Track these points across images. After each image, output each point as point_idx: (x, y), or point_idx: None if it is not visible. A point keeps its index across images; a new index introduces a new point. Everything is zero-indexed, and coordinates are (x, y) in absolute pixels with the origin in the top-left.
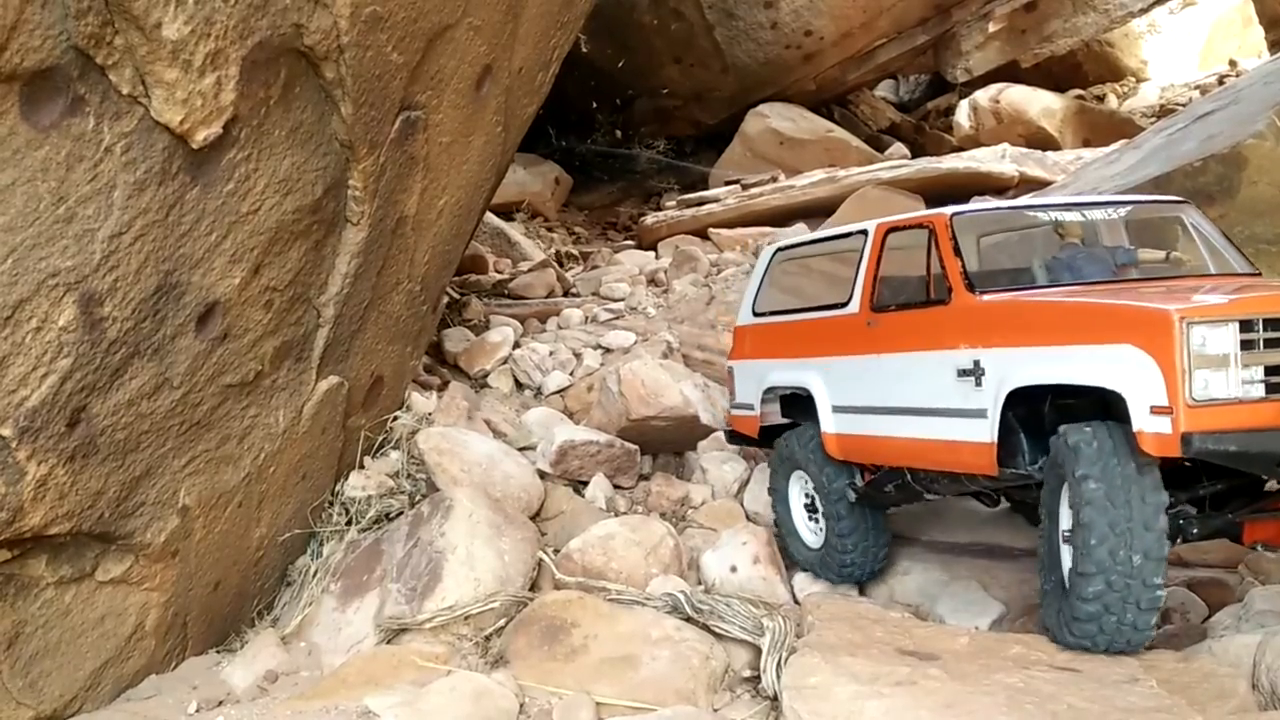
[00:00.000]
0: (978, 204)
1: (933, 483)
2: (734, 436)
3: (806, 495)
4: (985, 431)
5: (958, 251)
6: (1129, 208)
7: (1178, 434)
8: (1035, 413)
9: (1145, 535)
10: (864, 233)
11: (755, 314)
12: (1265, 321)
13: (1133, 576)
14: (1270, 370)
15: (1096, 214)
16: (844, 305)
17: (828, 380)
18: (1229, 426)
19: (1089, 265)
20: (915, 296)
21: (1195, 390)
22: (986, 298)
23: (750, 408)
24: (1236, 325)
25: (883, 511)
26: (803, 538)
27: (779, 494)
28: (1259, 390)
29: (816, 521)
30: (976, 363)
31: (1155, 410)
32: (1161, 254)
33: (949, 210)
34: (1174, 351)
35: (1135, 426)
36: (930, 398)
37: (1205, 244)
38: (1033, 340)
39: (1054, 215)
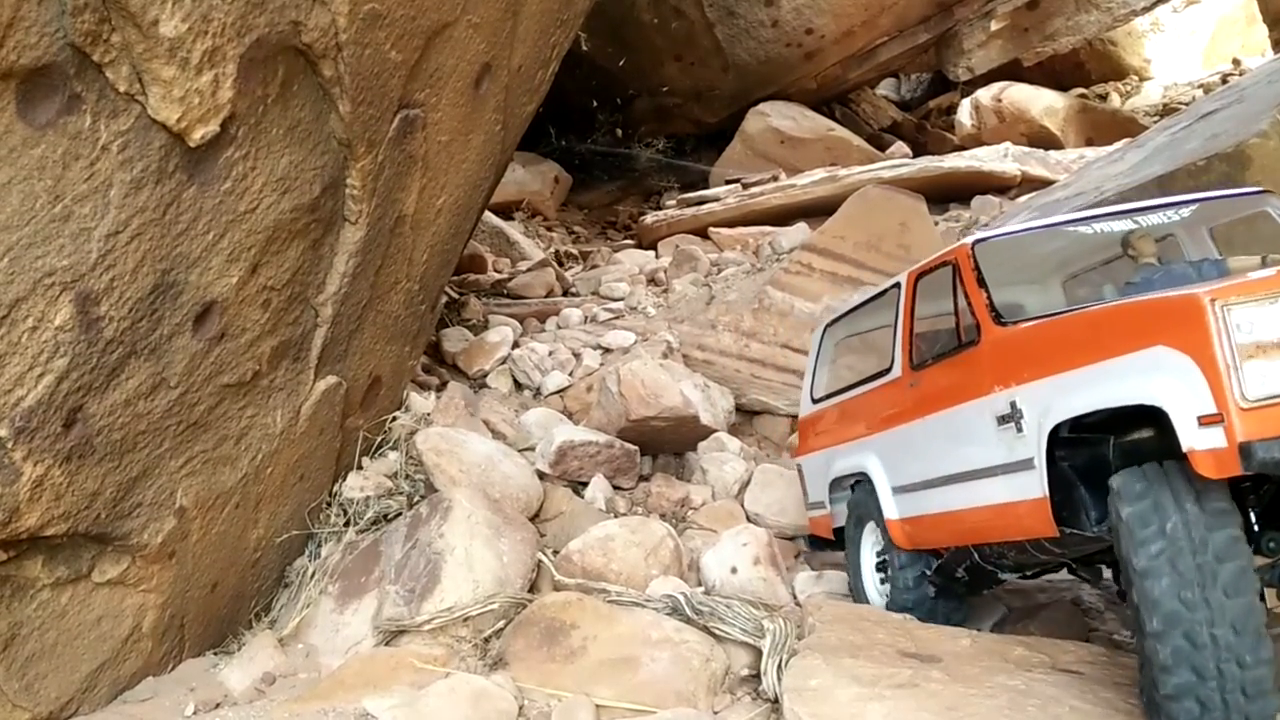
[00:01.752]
0: (1006, 226)
1: (1000, 558)
2: (815, 543)
3: (878, 554)
4: (1035, 485)
5: (983, 283)
6: (1193, 208)
7: (1234, 445)
8: (1098, 458)
9: (1231, 604)
10: (897, 285)
11: (814, 401)
12: None
13: (1225, 660)
14: None
15: (1152, 219)
16: (888, 371)
17: (883, 458)
18: None
19: (1170, 285)
20: (948, 344)
21: (1249, 387)
22: (1015, 328)
23: (822, 505)
24: None
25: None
26: (868, 595)
27: (853, 540)
28: None
29: (885, 585)
30: (1013, 404)
31: (1204, 420)
32: (1256, 259)
33: (970, 239)
34: (1212, 343)
35: (1184, 446)
36: (977, 457)
37: None
38: (1062, 365)
39: (1098, 228)
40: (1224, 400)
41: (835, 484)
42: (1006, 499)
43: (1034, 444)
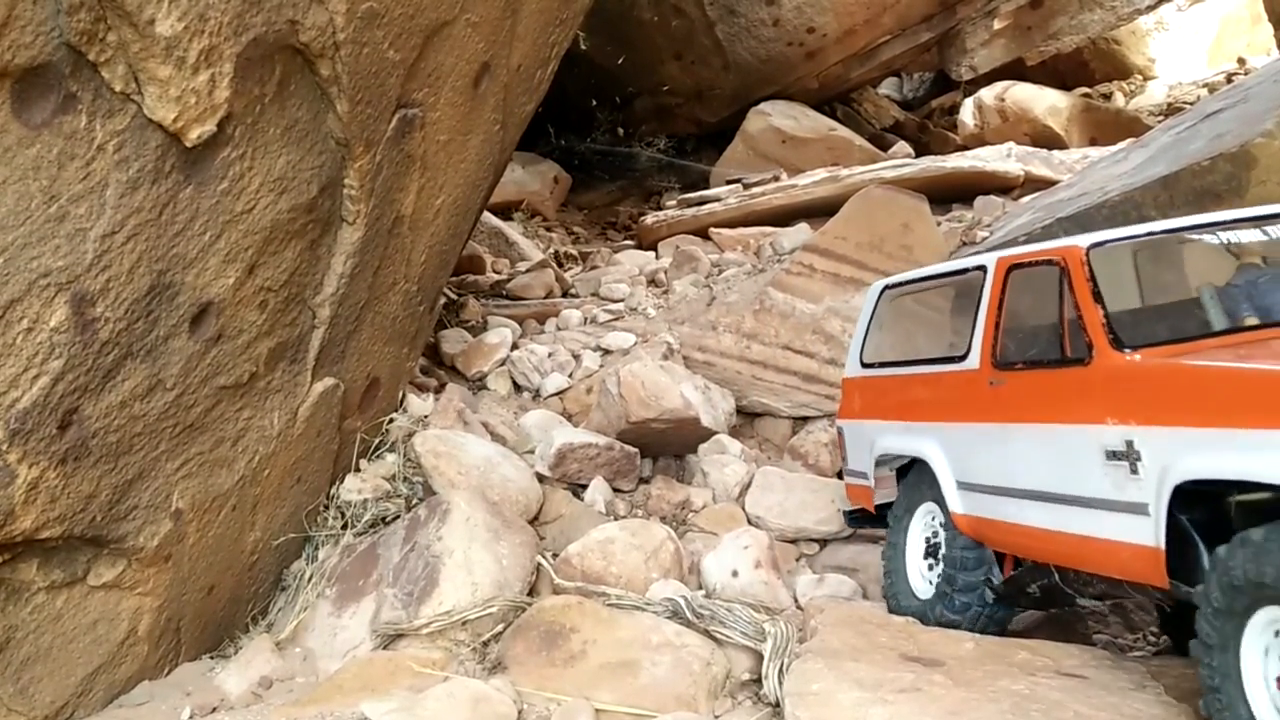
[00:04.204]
0: (1122, 230)
1: (1086, 585)
2: (854, 519)
3: (931, 534)
4: (1149, 533)
5: (1098, 297)
6: None
7: None
8: (1217, 513)
9: None
10: (982, 269)
11: (864, 364)
12: None
13: None
14: None
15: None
16: (962, 359)
17: (948, 450)
18: None
19: (1277, 292)
20: (1048, 353)
21: None
22: (1138, 357)
23: (864, 475)
24: None
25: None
26: (912, 585)
27: (900, 522)
28: None
29: (934, 570)
30: (1130, 444)
31: None
32: None
33: (1084, 241)
34: None
35: None
36: (1075, 483)
37: None
38: (1201, 419)
39: (1227, 236)
40: None
41: (882, 458)
42: (1110, 536)
43: (1152, 492)
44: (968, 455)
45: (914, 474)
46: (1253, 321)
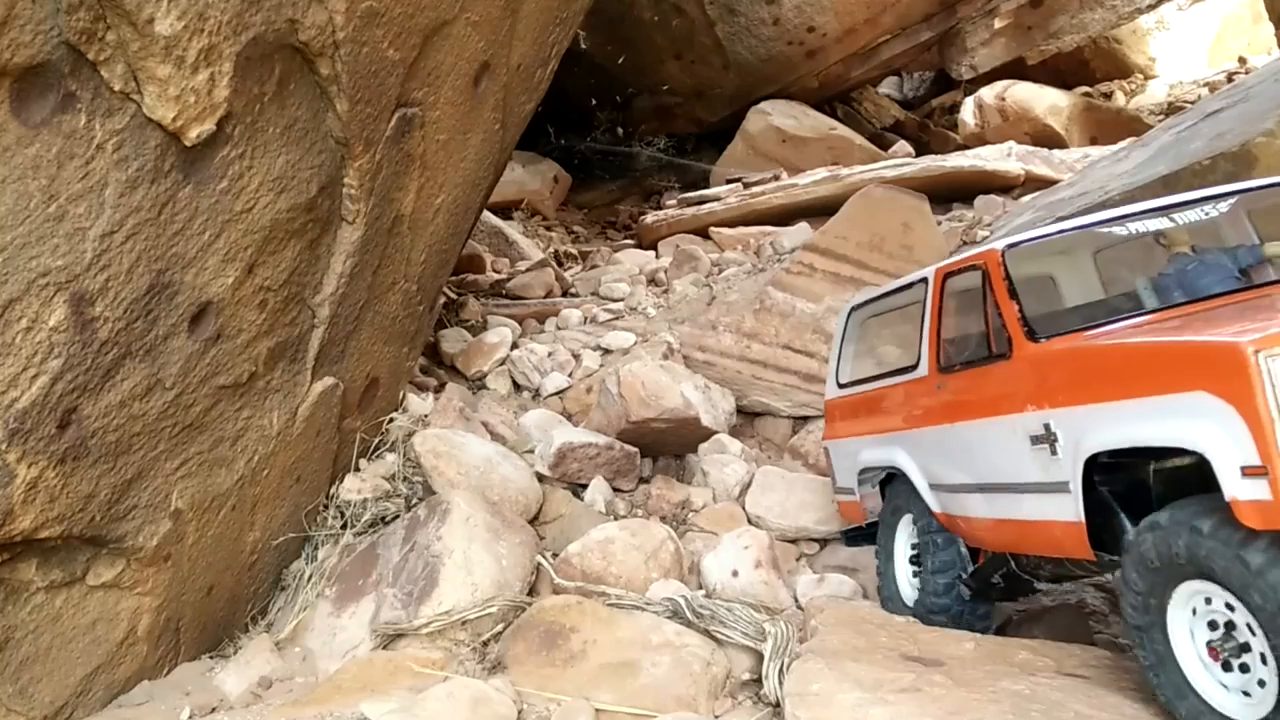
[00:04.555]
0: (1039, 230)
1: (1038, 568)
2: (850, 537)
3: (915, 542)
4: (1071, 509)
5: (1014, 294)
6: (1230, 201)
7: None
8: (1137, 484)
9: None
10: (924, 281)
11: (840, 385)
12: None
13: None
14: None
15: (1191, 215)
16: (914, 368)
17: (915, 456)
18: None
19: (1205, 276)
20: (978, 352)
21: None
22: (1048, 345)
23: (851, 492)
24: None
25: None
26: (901, 591)
27: (887, 532)
28: None
29: (918, 575)
30: (1047, 426)
31: (1248, 471)
32: None
33: (1001, 244)
34: (1256, 395)
35: (1227, 495)
36: (1010, 471)
37: None
38: (1098, 395)
39: (1132, 228)
40: (1269, 453)
41: (865, 473)
42: (1042, 516)
43: (1069, 470)
44: (931, 458)
45: (894, 484)
46: (1182, 300)
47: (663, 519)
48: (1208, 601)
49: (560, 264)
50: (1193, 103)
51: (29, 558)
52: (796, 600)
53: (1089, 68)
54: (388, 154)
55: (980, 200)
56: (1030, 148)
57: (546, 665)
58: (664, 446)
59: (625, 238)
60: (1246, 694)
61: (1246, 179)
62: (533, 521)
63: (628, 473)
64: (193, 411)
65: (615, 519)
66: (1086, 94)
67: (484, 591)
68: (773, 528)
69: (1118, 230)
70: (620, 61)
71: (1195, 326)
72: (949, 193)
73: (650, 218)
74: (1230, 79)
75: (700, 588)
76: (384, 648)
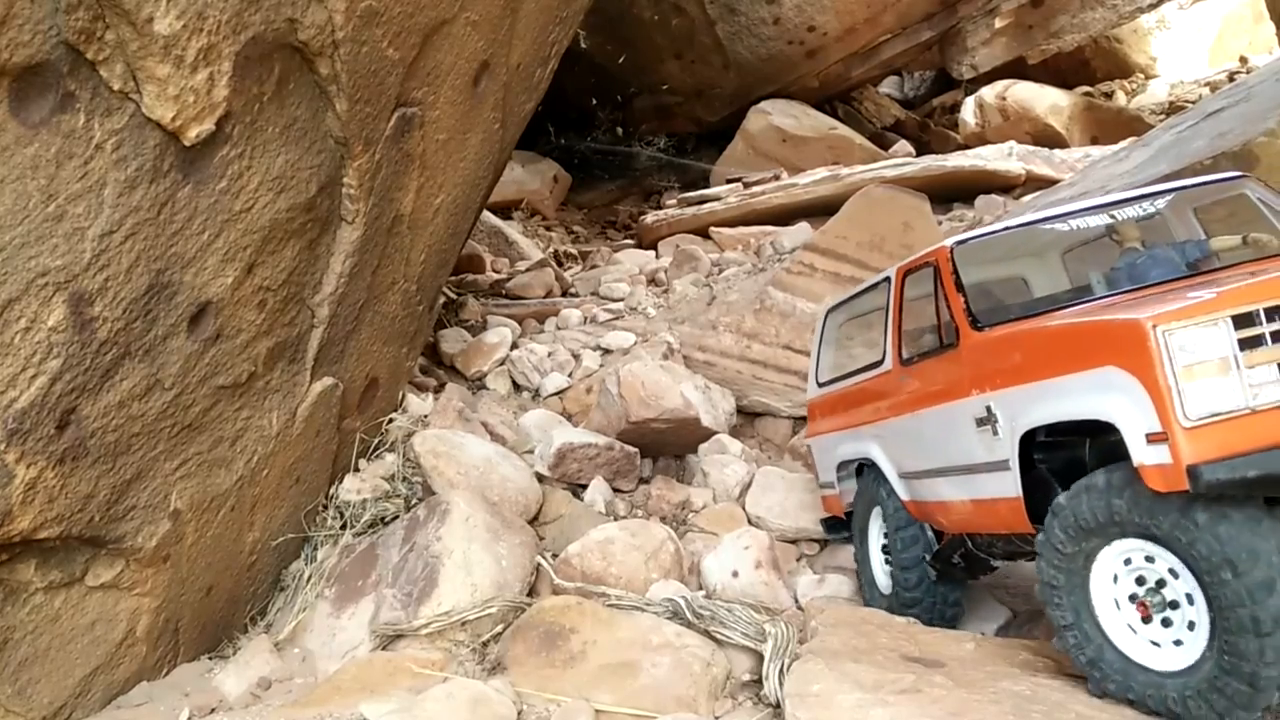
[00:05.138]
0: (983, 228)
1: (991, 547)
2: (830, 526)
3: (885, 537)
4: (1011, 485)
5: (960, 286)
6: (1170, 197)
7: (1179, 463)
8: (1075, 460)
9: None
10: (888, 280)
11: (819, 385)
12: (1269, 311)
13: None
14: None
15: (1129, 213)
16: (880, 363)
17: (884, 447)
18: (1245, 447)
19: (1153, 269)
20: (932, 343)
21: (1190, 407)
22: (989, 334)
23: (831, 485)
24: (1229, 322)
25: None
26: (877, 581)
27: (862, 524)
28: (1277, 392)
29: (889, 567)
30: (989, 409)
31: (1151, 438)
32: (1237, 238)
33: (950, 240)
34: (1154, 366)
35: (1135, 461)
36: (962, 454)
37: (1277, 217)
38: (1027, 376)
39: (1074, 224)
40: (1168, 420)
41: (842, 466)
42: (990, 495)
43: (1008, 448)
44: (898, 448)
45: (866, 476)
46: (1131, 289)
47: (663, 519)
48: (1134, 561)
49: (560, 264)
50: (1194, 102)
51: (28, 558)
52: (797, 601)
53: (1090, 67)
54: (387, 154)
55: (981, 200)
56: (1031, 147)
57: (546, 666)
58: (664, 447)
59: (625, 237)
60: (1156, 644)
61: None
62: (532, 522)
63: (628, 473)
64: (192, 412)
65: (615, 519)
66: (1087, 93)
67: (484, 592)
68: (773, 528)
69: (1060, 227)
70: (620, 61)
71: (1114, 309)
72: (950, 192)
73: (650, 217)
74: (1231, 78)
75: (700, 588)
76: (383, 648)
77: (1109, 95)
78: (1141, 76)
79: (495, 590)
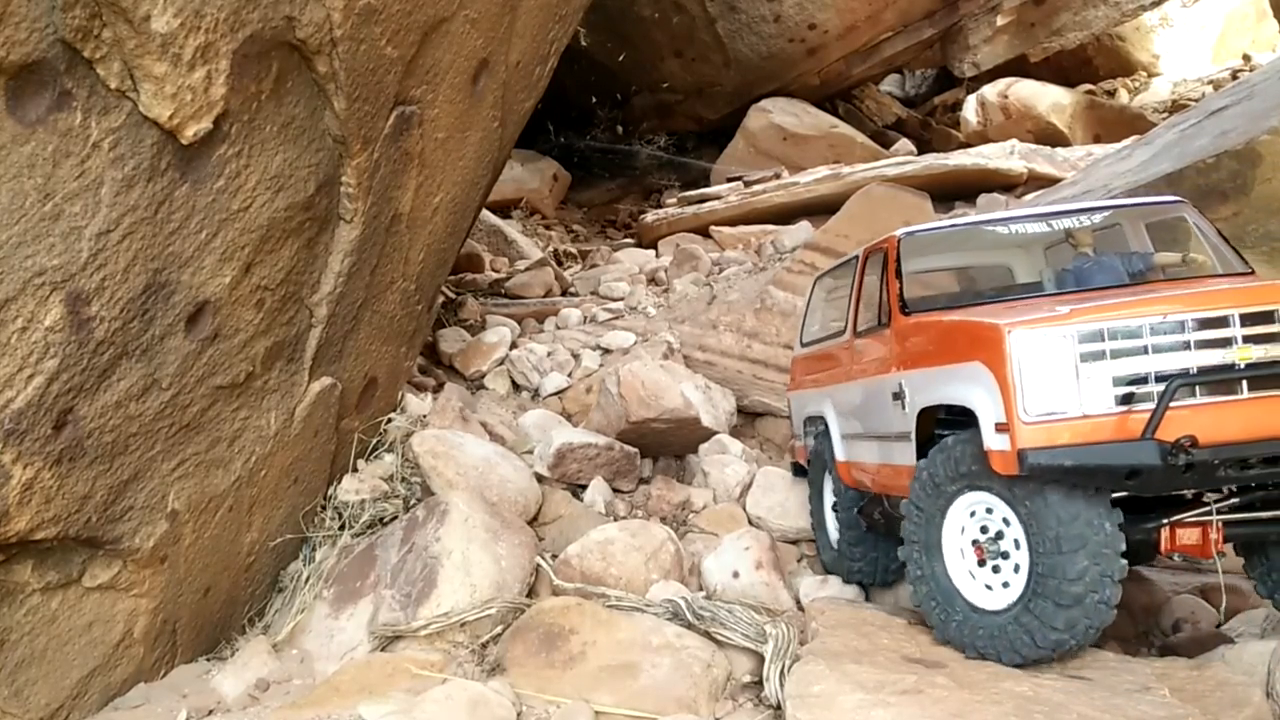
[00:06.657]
0: (932, 223)
1: (899, 507)
2: (798, 470)
3: (834, 493)
4: (909, 454)
5: (899, 273)
6: (1107, 214)
7: (1014, 451)
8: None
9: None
10: (856, 258)
11: (803, 344)
12: (1111, 331)
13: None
14: (1123, 381)
15: (1068, 223)
16: (843, 333)
17: (835, 408)
18: (1066, 441)
19: (1098, 274)
20: (876, 320)
21: (1029, 406)
22: (911, 320)
23: (800, 438)
24: (1074, 337)
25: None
26: (830, 537)
27: (816, 480)
28: (1106, 402)
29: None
30: (900, 385)
31: (998, 428)
32: (1178, 256)
33: (900, 231)
34: (1007, 367)
35: (985, 445)
36: (883, 423)
37: (1209, 243)
38: (928, 361)
39: (1013, 229)
40: (1011, 413)
41: (809, 422)
42: (899, 462)
43: (910, 421)
44: (842, 410)
45: (821, 437)
46: (1074, 290)
47: (663, 520)
48: (977, 513)
49: (560, 263)
50: (1196, 100)
51: (25, 559)
52: (798, 601)
53: (1092, 65)
54: (386, 152)
55: (983, 198)
56: (1033, 146)
57: (546, 667)
58: (664, 447)
59: (625, 236)
60: (989, 587)
61: (1250, 176)
62: (532, 522)
63: (627, 473)
64: (189, 412)
65: (615, 520)
66: (1090, 92)
67: (483, 593)
68: (773, 529)
69: (1000, 230)
70: (620, 59)
71: (1001, 312)
72: (951, 191)
73: (650, 216)
74: (1234, 76)
75: (701, 589)
76: (382, 649)
77: (1111, 93)
78: (1144, 74)
79: (494, 591)
